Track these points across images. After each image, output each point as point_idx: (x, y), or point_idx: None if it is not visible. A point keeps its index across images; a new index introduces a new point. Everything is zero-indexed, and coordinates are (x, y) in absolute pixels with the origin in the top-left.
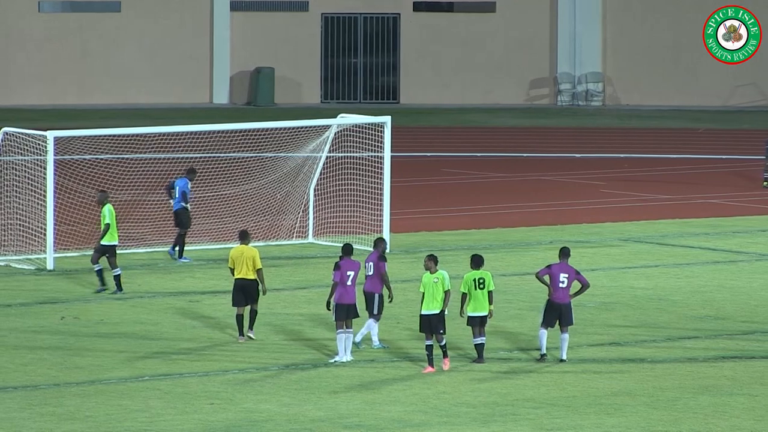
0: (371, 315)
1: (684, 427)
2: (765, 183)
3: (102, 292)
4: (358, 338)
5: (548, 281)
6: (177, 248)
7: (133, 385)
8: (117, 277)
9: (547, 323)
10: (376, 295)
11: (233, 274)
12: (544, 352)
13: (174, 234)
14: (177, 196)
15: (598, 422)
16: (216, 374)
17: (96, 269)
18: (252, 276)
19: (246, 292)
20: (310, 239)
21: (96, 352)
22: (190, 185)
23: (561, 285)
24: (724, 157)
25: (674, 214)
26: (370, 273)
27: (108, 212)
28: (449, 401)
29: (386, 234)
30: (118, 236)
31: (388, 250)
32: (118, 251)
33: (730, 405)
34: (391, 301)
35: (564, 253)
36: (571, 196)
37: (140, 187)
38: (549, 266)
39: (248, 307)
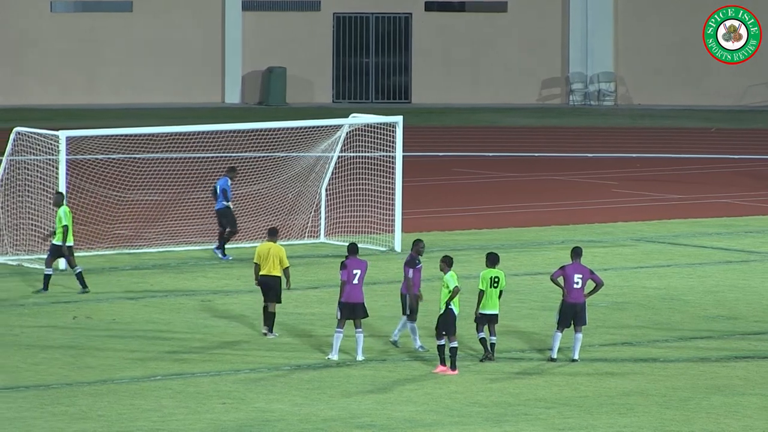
0: (408, 317)
1: (696, 427)
2: None
3: (40, 293)
4: (417, 343)
5: (562, 283)
6: (221, 248)
7: (145, 385)
8: (47, 277)
9: (562, 325)
10: (407, 296)
11: (258, 270)
12: (555, 356)
13: (214, 233)
14: (219, 195)
15: (611, 422)
16: (228, 374)
17: (77, 271)
18: (276, 273)
19: (269, 289)
20: (322, 239)
21: (108, 351)
22: (230, 183)
23: (575, 286)
24: (736, 156)
25: (686, 214)
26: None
27: (64, 214)
28: (461, 401)
29: (398, 234)
30: (74, 237)
31: (398, 250)
32: (131, 250)
33: (743, 405)
34: (416, 303)
35: (576, 253)
36: (583, 196)
37: (152, 186)
38: (562, 267)
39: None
